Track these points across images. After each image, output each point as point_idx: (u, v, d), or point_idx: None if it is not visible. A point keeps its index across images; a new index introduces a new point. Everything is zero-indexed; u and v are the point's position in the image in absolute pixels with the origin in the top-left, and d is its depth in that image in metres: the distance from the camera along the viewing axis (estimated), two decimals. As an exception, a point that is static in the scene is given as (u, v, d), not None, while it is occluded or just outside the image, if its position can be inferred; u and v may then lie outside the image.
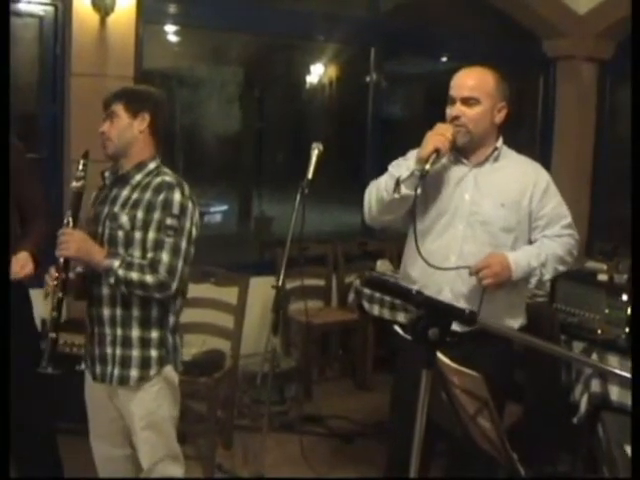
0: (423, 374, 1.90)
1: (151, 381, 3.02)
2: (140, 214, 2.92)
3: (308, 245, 5.70)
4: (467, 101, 3.09)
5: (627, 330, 3.49)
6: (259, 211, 7.12)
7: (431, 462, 3.40)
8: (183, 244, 2.94)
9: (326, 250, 5.99)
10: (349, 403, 5.38)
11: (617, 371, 3.27)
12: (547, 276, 3.22)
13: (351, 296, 5.24)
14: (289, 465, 4.33)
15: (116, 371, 3.00)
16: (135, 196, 2.97)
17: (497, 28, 6.82)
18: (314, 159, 3.65)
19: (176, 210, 2.93)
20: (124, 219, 2.94)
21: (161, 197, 2.92)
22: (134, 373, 2.98)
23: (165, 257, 2.88)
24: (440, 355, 2.33)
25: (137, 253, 2.92)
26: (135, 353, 2.98)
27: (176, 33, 6.06)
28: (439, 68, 7.38)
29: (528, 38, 6.96)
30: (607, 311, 3.56)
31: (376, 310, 4.82)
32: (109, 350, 3.00)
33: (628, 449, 2.30)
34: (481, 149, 3.19)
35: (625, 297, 3.53)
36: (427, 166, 2.97)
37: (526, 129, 7.24)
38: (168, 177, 3.02)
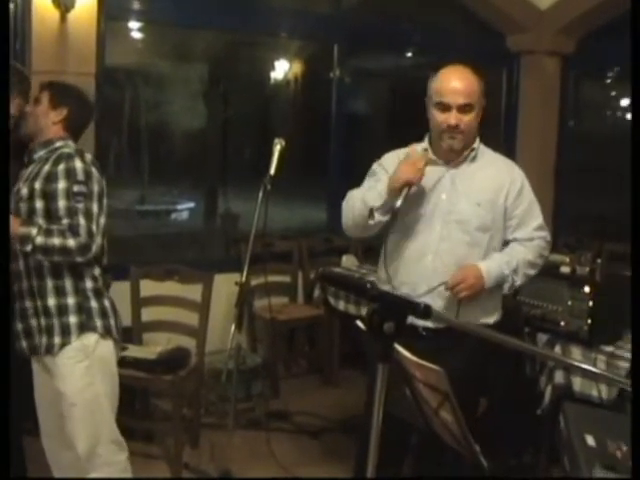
0: (379, 368, 1.90)
1: (78, 356, 3.05)
2: (38, 184, 3.01)
3: (273, 241, 5.71)
4: (463, 108, 3.11)
5: (589, 321, 3.52)
6: (225, 208, 7.10)
7: (404, 457, 3.42)
8: (95, 208, 3.01)
9: (291, 246, 5.98)
10: (316, 399, 5.37)
11: (579, 364, 3.29)
12: (518, 282, 3.28)
13: (317, 292, 5.24)
14: (256, 462, 4.31)
15: (43, 340, 3.06)
16: (36, 169, 3.07)
17: (460, 23, 6.84)
18: (276, 155, 3.67)
19: (81, 177, 3.01)
20: (24, 191, 3.04)
21: (61, 166, 3.01)
22: (57, 340, 3.05)
23: (82, 221, 2.95)
24: (402, 349, 2.34)
25: (40, 222, 2.98)
26: (56, 321, 3.05)
27: (140, 29, 6.01)
28: (403, 63, 7.39)
29: (491, 33, 6.99)
30: (570, 303, 3.58)
31: (342, 306, 4.83)
32: (34, 322, 3.08)
33: (588, 439, 2.31)
34: (462, 151, 3.22)
35: (587, 289, 3.55)
36: (398, 202, 3.03)
37: (490, 124, 7.26)
38: (67, 149, 3.10)
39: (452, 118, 3.09)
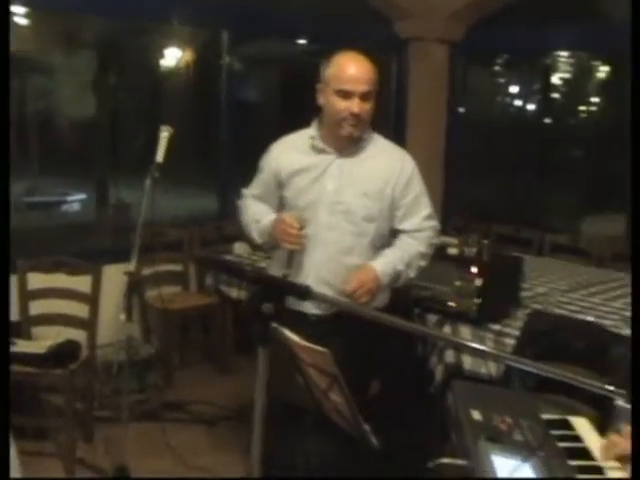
0: (259, 351, 1.89)
1: None
2: None
3: (163, 230, 5.64)
4: (365, 96, 3.08)
5: (477, 301, 3.59)
6: (117, 198, 6.98)
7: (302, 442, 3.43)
8: None
9: (182, 234, 5.91)
10: (211, 388, 5.34)
11: (468, 343, 3.35)
12: (412, 275, 3.30)
13: (208, 280, 5.20)
14: (153, 454, 4.26)
15: None
16: None
17: (350, 9, 6.87)
18: (163, 142, 3.62)
19: None
20: None
21: None
22: None
23: None
24: (289, 333, 2.34)
25: None
26: None
27: (25, 15, 5.82)
28: (294, 50, 7.39)
29: (381, 19, 7.04)
30: (458, 283, 3.64)
31: (234, 293, 4.81)
32: None
33: (474, 413, 2.35)
34: (353, 140, 3.19)
35: (474, 269, 3.62)
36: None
37: (381, 110, 7.34)
38: None
39: (355, 106, 3.06)
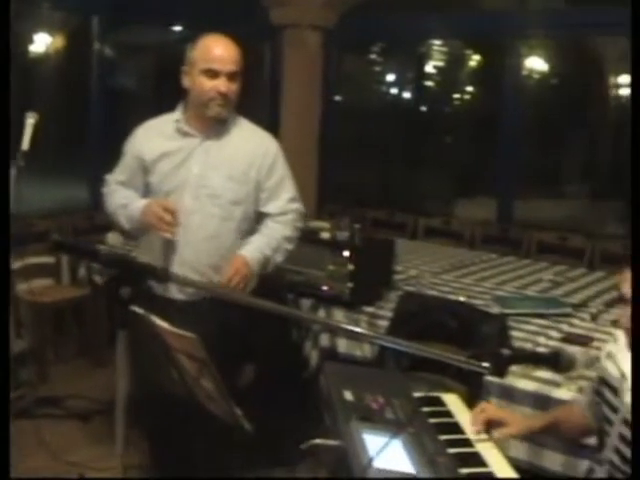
0: (119, 335, 1.85)
1: None
2: None
3: (33, 221, 5.46)
4: (232, 76, 3.06)
5: (350, 284, 3.62)
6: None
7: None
8: None
9: (53, 225, 5.73)
10: (86, 382, 5.20)
11: (342, 325, 3.37)
12: (280, 259, 3.29)
13: (82, 271, 5.08)
14: (28, 451, 4.12)
15: None
16: None
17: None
18: (29, 130, 3.51)
19: None
20: None
21: None
22: None
23: None
24: (158, 320, 2.30)
25: None
26: None
27: None
28: (169, 37, 7.28)
29: (256, 6, 7.00)
30: (331, 267, 3.66)
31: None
32: None
33: (346, 394, 2.37)
34: (218, 122, 3.16)
35: (347, 253, 3.65)
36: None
37: (255, 96, 7.31)
38: None
39: (222, 85, 3.04)
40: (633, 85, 2.42)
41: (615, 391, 2.26)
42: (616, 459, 2.20)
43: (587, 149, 7.34)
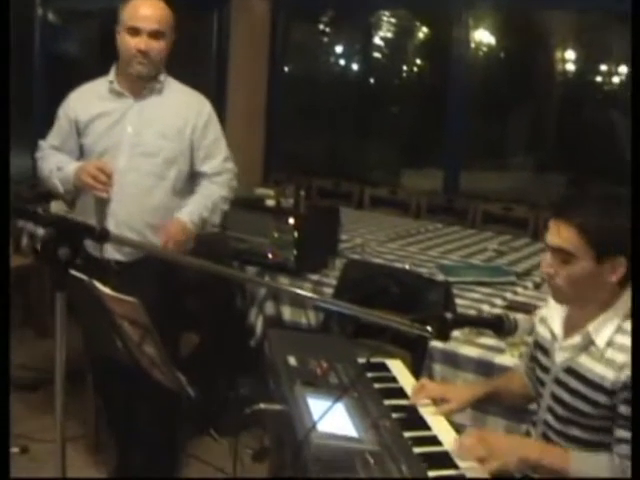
0: (57, 297, 1.81)
1: None
2: None
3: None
4: (154, 35, 3.07)
5: (295, 252, 3.61)
6: None
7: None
8: None
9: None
10: (31, 351, 5.13)
11: (290, 288, 3.35)
12: (217, 220, 3.33)
13: (24, 240, 5.00)
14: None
15: None
16: None
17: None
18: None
19: None
20: None
21: None
22: None
23: None
24: (99, 284, 2.27)
25: None
26: None
27: None
28: (113, 4, 7.13)
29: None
30: (276, 235, 3.65)
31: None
32: None
33: (290, 359, 2.38)
34: (149, 82, 3.18)
35: (291, 220, 3.63)
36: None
37: (201, 65, 7.23)
38: None
39: (142, 43, 3.06)
40: (633, 85, 2.43)
41: (547, 352, 2.30)
42: (550, 418, 2.24)
43: (532, 122, 7.39)
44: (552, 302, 2.35)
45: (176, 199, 3.21)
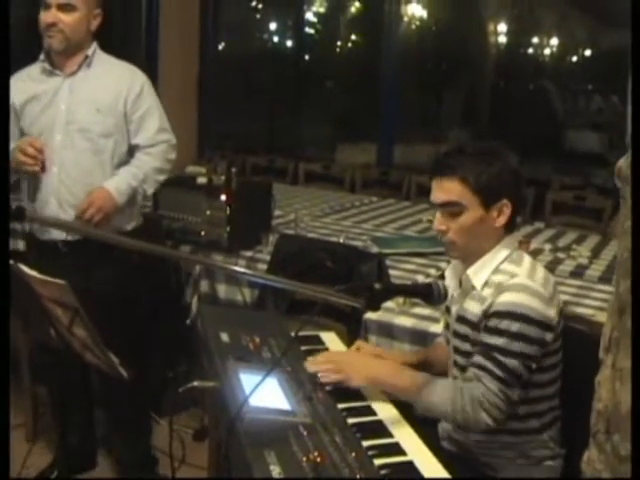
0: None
1: None
2: None
3: None
4: (63, 7, 3.03)
5: (228, 229, 3.60)
6: None
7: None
8: None
9: None
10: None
11: (223, 265, 3.34)
12: (150, 190, 3.28)
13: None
14: None
15: None
16: None
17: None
18: None
19: None
20: None
21: None
22: None
23: None
24: (25, 268, 2.24)
25: None
26: None
27: None
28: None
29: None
30: (209, 213, 3.63)
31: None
32: None
33: (223, 336, 2.37)
34: (75, 57, 3.14)
35: (224, 197, 3.62)
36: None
37: (131, 44, 7.12)
38: None
39: (49, 16, 3.03)
40: (634, 83, 2.44)
41: (449, 310, 2.38)
42: (456, 372, 2.32)
43: (466, 95, 7.46)
44: (452, 264, 2.41)
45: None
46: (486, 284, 2.19)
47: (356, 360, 2.28)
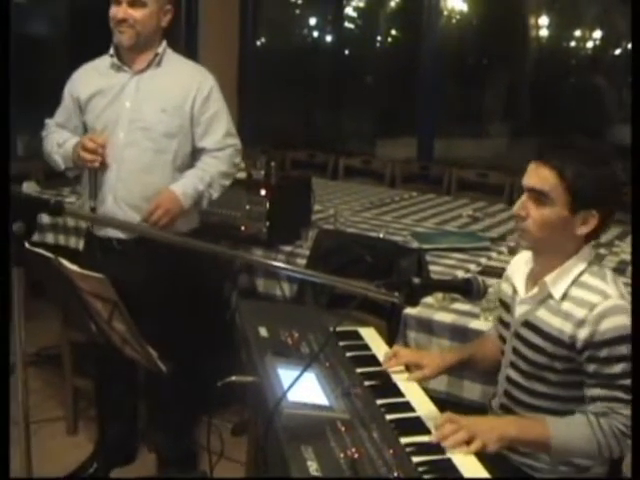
0: (14, 272, 1.79)
1: None
2: None
3: None
4: (134, 3, 3.02)
5: (267, 224, 3.60)
6: None
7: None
8: None
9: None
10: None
11: (263, 260, 3.36)
12: (215, 195, 3.26)
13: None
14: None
15: None
16: None
17: None
18: None
19: None
20: None
21: None
22: None
23: None
24: (66, 262, 2.25)
25: None
26: None
27: None
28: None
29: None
30: (248, 207, 3.64)
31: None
32: None
33: (261, 330, 2.38)
34: (144, 54, 3.13)
35: (263, 192, 3.61)
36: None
37: (171, 39, 7.15)
38: None
39: (120, 11, 3.02)
40: (634, 82, 2.40)
41: (508, 308, 2.30)
42: (513, 374, 2.26)
43: (507, 89, 7.39)
44: (516, 259, 2.37)
45: (177, 176, 3.16)
46: (566, 296, 2.10)
47: (482, 423, 2.08)
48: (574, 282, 2.11)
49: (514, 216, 2.18)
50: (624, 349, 1.97)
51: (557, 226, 2.09)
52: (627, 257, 3.75)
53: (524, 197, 2.12)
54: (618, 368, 1.99)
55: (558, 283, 2.12)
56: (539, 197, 2.08)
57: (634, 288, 2.06)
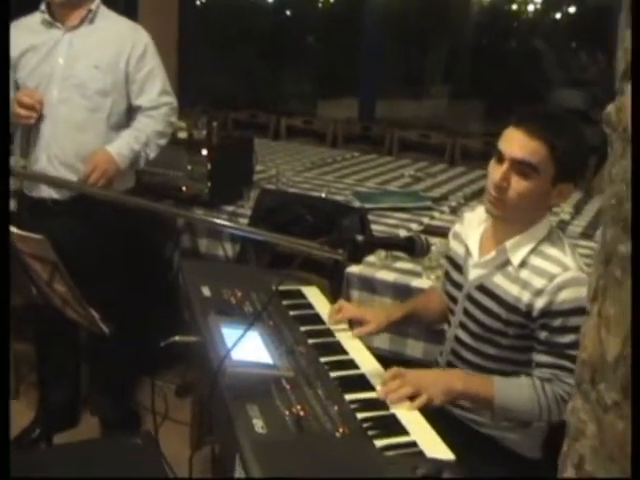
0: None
1: None
2: None
3: None
4: None
5: (209, 184, 3.57)
6: None
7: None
8: None
9: None
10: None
11: (206, 218, 3.30)
12: (152, 155, 3.22)
13: None
14: None
15: None
16: None
17: None
18: None
19: None
20: None
21: None
22: None
23: None
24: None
25: None
26: None
27: None
28: None
29: None
30: (190, 167, 3.59)
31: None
32: None
33: (204, 290, 2.36)
34: (77, 11, 3.05)
35: (205, 152, 3.58)
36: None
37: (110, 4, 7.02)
38: None
39: None
40: (633, 81, 2.38)
41: (459, 268, 2.31)
42: (462, 334, 2.27)
43: (448, 51, 7.41)
44: (468, 219, 2.36)
45: (112, 135, 3.11)
46: (524, 264, 2.09)
47: (428, 377, 2.07)
48: (533, 250, 2.10)
49: (494, 186, 2.07)
50: (577, 320, 1.96)
51: (537, 198, 2.06)
52: (567, 217, 3.81)
53: (505, 167, 2.04)
54: (568, 338, 2.01)
55: (518, 250, 2.11)
56: (525, 169, 2.02)
57: (634, 288, 2.09)
